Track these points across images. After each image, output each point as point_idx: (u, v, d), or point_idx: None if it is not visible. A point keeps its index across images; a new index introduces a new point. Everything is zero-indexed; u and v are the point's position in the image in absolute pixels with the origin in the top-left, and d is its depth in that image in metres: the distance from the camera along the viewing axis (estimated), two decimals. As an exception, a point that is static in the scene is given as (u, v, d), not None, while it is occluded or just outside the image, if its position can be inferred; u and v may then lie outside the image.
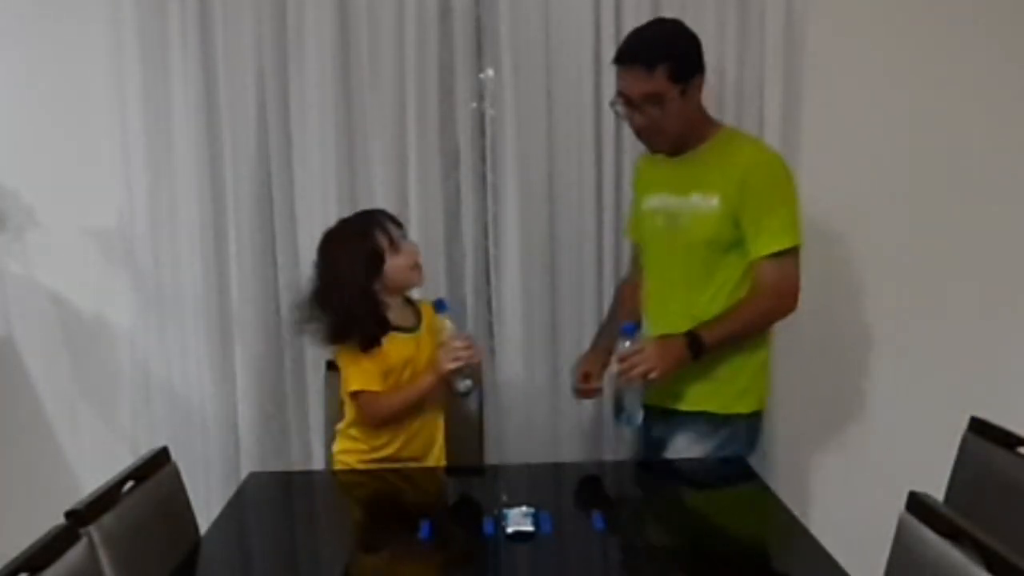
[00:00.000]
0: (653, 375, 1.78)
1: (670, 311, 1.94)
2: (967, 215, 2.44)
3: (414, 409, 1.92)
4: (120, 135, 2.29)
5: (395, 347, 1.91)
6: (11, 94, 2.33)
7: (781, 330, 2.17)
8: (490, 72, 2.34)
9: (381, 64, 2.27)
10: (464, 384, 1.91)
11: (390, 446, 1.94)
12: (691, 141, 1.91)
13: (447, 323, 1.91)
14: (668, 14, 2.25)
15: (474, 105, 2.36)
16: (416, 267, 1.94)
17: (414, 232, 2.28)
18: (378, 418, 1.92)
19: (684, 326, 1.85)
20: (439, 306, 1.93)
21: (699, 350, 1.82)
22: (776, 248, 1.85)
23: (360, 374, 1.90)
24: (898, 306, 2.46)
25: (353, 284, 1.87)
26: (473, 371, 1.92)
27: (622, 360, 1.82)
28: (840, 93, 2.37)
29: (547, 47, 2.28)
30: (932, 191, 2.43)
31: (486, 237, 2.38)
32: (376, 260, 1.88)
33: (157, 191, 2.31)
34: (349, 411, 1.97)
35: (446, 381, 1.89)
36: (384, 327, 1.90)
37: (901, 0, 2.37)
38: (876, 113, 2.38)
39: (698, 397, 1.92)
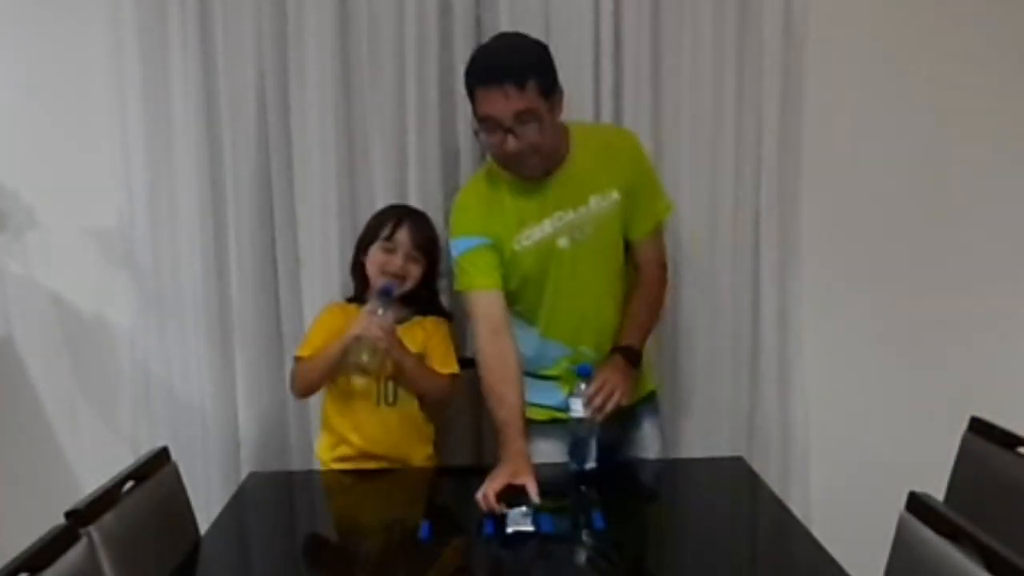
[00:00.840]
0: (624, 400, 1.78)
1: (603, 323, 1.91)
2: (967, 215, 2.44)
3: (326, 374, 1.95)
4: (120, 135, 2.29)
5: (348, 322, 1.94)
6: (11, 94, 2.33)
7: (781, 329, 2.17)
8: (490, 72, 2.34)
9: (381, 64, 2.27)
10: (361, 357, 1.87)
11: (343, 444, 1.97)
12: (560, 155, 1.84)
13: (379, 308, 1.90)
14: (667, 14, 2.27)
15: (474, 105, 2.35)
16: (383, 273, 1.97)
17: (414, 232, 2.29)
18: (296, 381, 1.99)
19: (615, 332, 1.90)
20: (384, 292, 1.94)
21: (637, 360, 1.87)
22: (661, 219, 1.96)
23: (304, 342, 2.02)
24: (898, 306, 2.46)
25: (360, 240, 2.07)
26: (375, 351, 1.89)
27: (592, 399, 1.75)
28: (840, 93, 2.36)
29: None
30: (932, 191, 2.43)
31: (486, 237, 2.37)
32: (366, 238, 2.03)
33: (157, 191, 2.31)
34: None
35: (346, 349, 1.89)
36: (357, 293, 2.04)
37: (901, 2, 2.37)
38: (876, 113, 2.38)
39: (641, 383, 1.97)
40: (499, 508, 1.58)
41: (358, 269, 2.05)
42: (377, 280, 1.97)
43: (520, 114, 1.70)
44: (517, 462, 1.68)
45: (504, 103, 1.70)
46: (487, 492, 1.60)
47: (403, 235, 1.98)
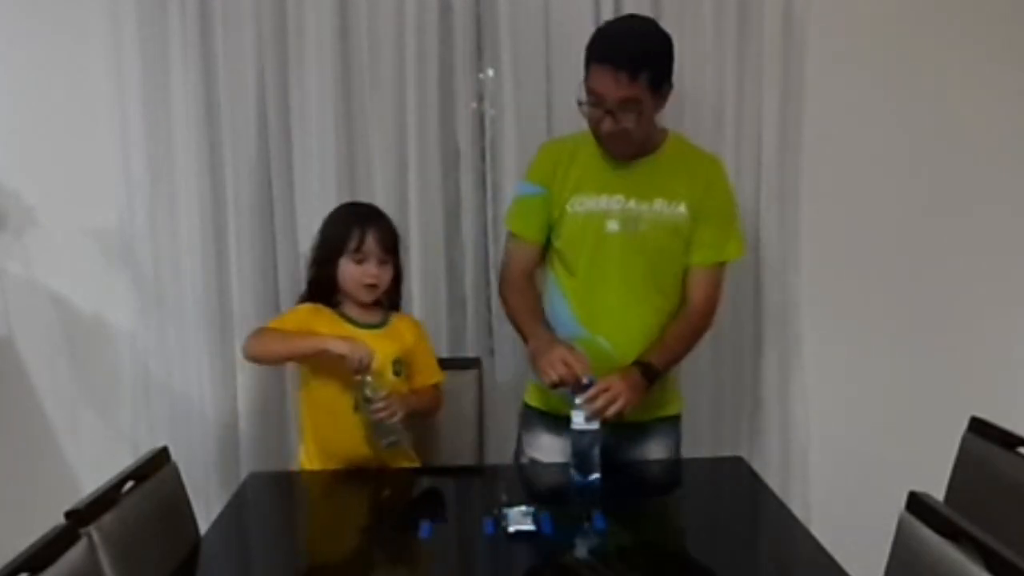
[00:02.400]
0: (626, 411, 1.72)
1: (630, 324, 1.88)
2: (967, 215, 2.45)
3: (283, 360, 2.01)
4: (120, 135, 2.29)
5: (324, 325, 1.92)
6: (11, 94, 2.33)
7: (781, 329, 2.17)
8: (490, 72, 2.34)
9: (381, 64, 2.27)
10: (387, 440, 1.85)
11: (324, 454, 1.95)
12: (647, 147, 1.88)
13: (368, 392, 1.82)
14: (668, 14, 2.27)
15: (474, 105, 2.36)
16: (364, 288, 1.93)
17: (414, 232, 2.29)
18: (254, 344, 1.92)
19: (644, 337, 1.87)
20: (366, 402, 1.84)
21: (653, 378, 1.82)
22: (724, 257, 1.93)
23: (277, 321, 1.98)
24: (898, 305, 2.46)
25: (316, 249, 1.98)
26: (391, 428, 1.84)
27: (593, 399, 1.70)
28: (840, 93, 2.36)
29: (547, 47, 2.28)
30: (932, 191, 2.44)
31: (486, 237, 2.38)
32: (331, 250, 1.94)
33: (157, 191, 2.31)
34: None
35: (375, 432, 1.85)
36: (326, 298, 1.97)
37: (901, 0, 2.37)
38: (876, 113, 2.38)
39: (662, 404, 1.98)
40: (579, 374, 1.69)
41: (325, 277, 1.96)
42: (358, 292, 1.94)
43: (625, 101, 1.74)
44: (558, 344, 1.77)
45: (614, 86, 1.73)
46: (558, 364, 1.69)
47: (371, 243, 1.91)
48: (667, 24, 2.24)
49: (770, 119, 2.32)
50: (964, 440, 1.81)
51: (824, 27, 2.32)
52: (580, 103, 1.81)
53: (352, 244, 1.91)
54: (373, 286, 1.93)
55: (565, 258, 1.93)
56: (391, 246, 1.95)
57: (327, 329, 1.92)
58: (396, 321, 2.02)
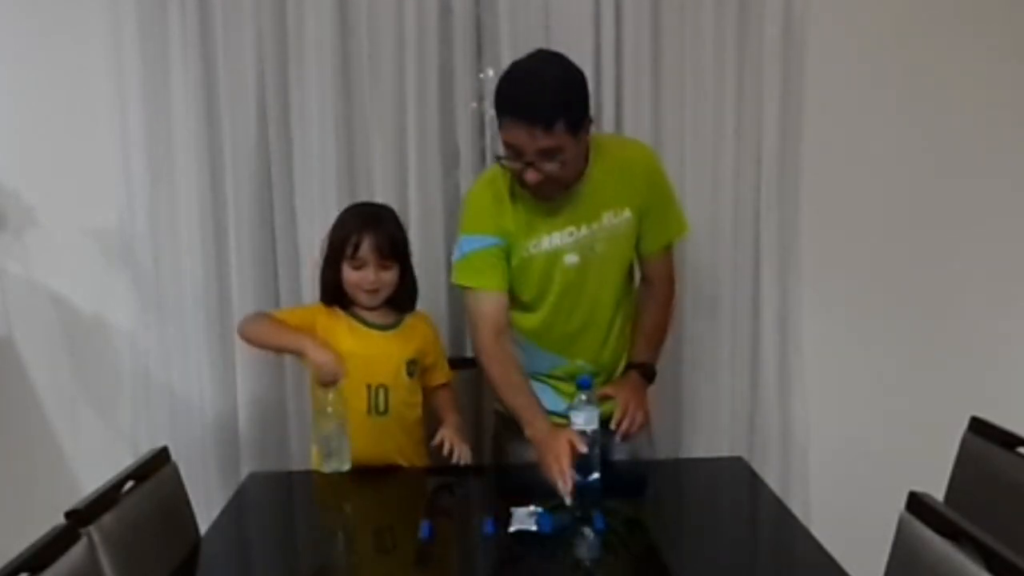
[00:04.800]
0: (646, 419, 1.88)
1: (600, 343, 1.91)
2: (967, 215, 2.45)
3: (270, 349, 2.03)
4: (120, 135, 2.29)
5: (337, 327, 1.94)
6: (11, 94, 2.33)
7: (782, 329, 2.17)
8: (490, 72, 2.34)
9: (381, 64, 2.27)
10: (329, 463, 1.87)
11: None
12: (578, 176, 1.80)
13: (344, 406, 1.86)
14: (667, 15, 2.27)
15: (474, 105, 2.35)
16: (364, 292, 1.93)
17: (414, 232, 2.28)
18: (250, 325, 1.97)
19: (620, 344, 1.93)
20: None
21: (652, 376, 1.93)
22: (673, 239, 1.95)
23: (282, 312, 2.04)
24: (898, 306, 2.46)
25: (325, 253, 1.98)
26: (339, 449, 1.87)
27: (618, 424, 1.84)
28: (840, 93, 2.36)
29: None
30: (932, 191, 2.43)
31: (486, 237, 2.37)
32: (334, 254, 1.94)
33: (157, 191, 2.31)
34: None
35: (322, 450, 1.88)
36: (338, 299, 1.97)
37: (901, 0, 2.37)
38: (876, 113, 2.38)
39: None
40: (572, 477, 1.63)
41: (332, 280, 1.96)
42: (360, 297, 1.94)
43: (544, 152, 1.67)
44: (560, 433, 1.68)
45: (530, 140, 1.65)
46: (564, 470, 1.62)
47: (366, 249, 1.90)
48: (667, 25, 2.28)
49: (770, 119, 2.32)
50: (964, 440, 1.81)
51: (824, 27, 2.32)
52: (499, 158, 1.75)
53: (349, 250, 1.91)
54: (373, 291, 1.93)
55: (521, 300, 1.88)
56: (390, 251, 1.92)
57: (340, 331, 1.93)
58: (410, 321, 2.02)
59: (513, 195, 1.82)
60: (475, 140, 2.36)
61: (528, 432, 1.75)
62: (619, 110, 2.30)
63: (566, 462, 1.63)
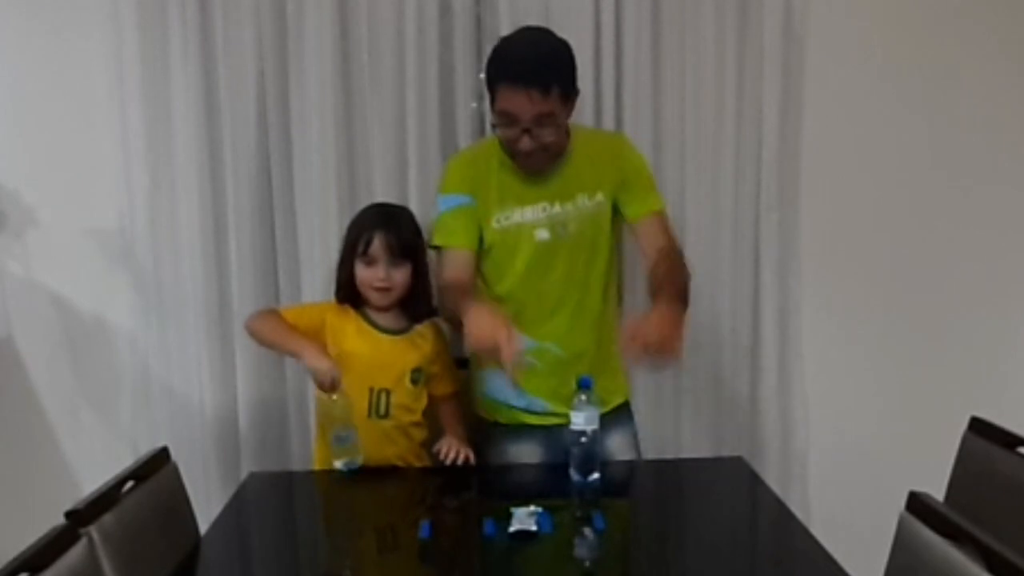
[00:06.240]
0: (677, 355, 1.58)
1: (574, 323, 1.90)
2: (967, 215, 2.45)
3: (271, 347, 1.99)
4: (120, 135, 2.29)
5: (346, 327, 1.95)
6: (11, 94, 2.33)
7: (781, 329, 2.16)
8: (490, 72, 2.34)
9: (381, 64, 2.27)
10: (342, 462, 1.87)
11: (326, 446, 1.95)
12: (561, 152, 1.87)
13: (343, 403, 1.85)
14: (667, 14, 2.27)
15: (474, 105, 2.35)
16: (375, 291, 1.94)
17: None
18: (256, 321, 1.97)
19: (590, 332, 1.90)
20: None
21: (686, 304, 1.73)
22: (653, 210, 1.92)
23: (291, 308, 2.05)
24: (898, 306, 2.46)
25: (340, 251, 2.00)
26: (352, 449, 1.87)
27: (640, 329, 1.56)
28: (840, 93, 2.36)
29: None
30: (932, 191, 2.44)
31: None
32: (347, 252, 1.97)
33: (157, 191, 2.31)
34: None
35: (332, 448, 1.87)
36: (351, 298, 1.98)
37: (901, 0, 2.37)
38: (876, 113, 2.38)
39: (615, 393, 2.00)
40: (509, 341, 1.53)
41: (346, 279, 1.98)
42: (371, 296, 1.95)
43: (540, 117, 1.72)
44: (483, 308, 1.63)
45: (527, 105, 1.71)
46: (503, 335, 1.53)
47: (378, 247, 1.92)
48: (667, 25, 2.28)
49: (770, 119, 2.32)
50: (964, 440, 1.81)
51: (824, 27, 2.32)
52: (494, 126, 1.80)
53: (361, 247, 1.93)
54: (384, 289, 1.93)
55: (490, 276, 1.91)
56: (401, 250, 1.94)
57: (348, 331, 1.94)
58: (421, 329, 2.01)
59: (497, 164, 1.87)
60: (474, 139, 2.35)
61: (465, 321, 1.62)
62: (619, 110, 2.30)
63: (503, 333, 1.54)
